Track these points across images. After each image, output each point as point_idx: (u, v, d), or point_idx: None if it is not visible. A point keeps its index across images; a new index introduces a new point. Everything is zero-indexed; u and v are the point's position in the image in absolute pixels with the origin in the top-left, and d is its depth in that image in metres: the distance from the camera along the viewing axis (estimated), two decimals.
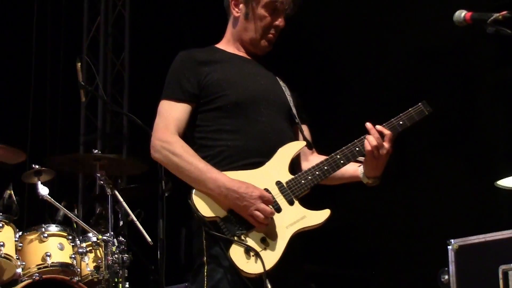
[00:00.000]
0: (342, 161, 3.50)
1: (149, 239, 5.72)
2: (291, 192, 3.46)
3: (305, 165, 3.64)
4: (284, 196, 3.45)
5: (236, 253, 3.32)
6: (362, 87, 7.94)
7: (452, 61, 7.46)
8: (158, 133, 3.51)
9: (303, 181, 3.47)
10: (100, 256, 5.61)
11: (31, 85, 9.36)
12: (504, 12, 3.24)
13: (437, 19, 6.82)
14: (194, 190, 3.40)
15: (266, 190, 3.42)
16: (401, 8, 7.65)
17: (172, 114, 3.52)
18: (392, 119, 3.52)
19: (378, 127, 3.45)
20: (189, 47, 3.71)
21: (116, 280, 5.52)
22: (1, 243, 5.28)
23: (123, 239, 5.69)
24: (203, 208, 3.38)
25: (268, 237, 3.37)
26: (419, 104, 3.56)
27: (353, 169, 3.60)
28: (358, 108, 7.63)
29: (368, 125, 3.46)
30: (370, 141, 3.42)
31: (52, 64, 9.38)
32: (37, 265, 5.44)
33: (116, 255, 5.55)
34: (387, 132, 3.44)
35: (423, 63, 7.60)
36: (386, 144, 3.43)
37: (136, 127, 5.81)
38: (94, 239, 5.67)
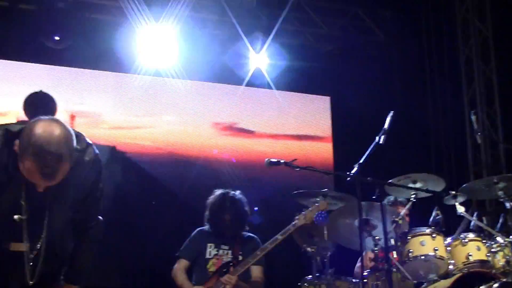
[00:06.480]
0: None
1: None
2: None
3: None
4: None
5: None
6: None
7: None
8: None
9: None
10: (507, 253, 5.18)
11: (430, 138, 9.33)
12: None
13: None
14: None
15: None
16: None
17: None
18: None
19: None
20: None
21: None
22: (436, 248, 5.15)
23: None
24: None
25: None
26: None
27: None
28: None
29: None
30: None
31: (444, 121, 9.27)
32: (462, 262, 5.19)
33: None
34: None
35: None
36: None
37: None
38: (502, 241, 5.27)
